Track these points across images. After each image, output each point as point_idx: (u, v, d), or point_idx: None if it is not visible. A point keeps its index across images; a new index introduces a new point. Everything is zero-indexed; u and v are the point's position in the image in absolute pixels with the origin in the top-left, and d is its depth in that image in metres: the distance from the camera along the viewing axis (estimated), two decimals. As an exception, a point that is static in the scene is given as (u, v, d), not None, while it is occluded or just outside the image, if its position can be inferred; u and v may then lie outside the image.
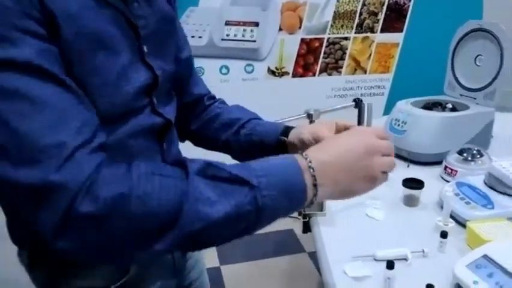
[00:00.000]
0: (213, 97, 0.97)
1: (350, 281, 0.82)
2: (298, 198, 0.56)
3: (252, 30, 2.46)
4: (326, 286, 0.83)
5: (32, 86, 0.49)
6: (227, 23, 2.45)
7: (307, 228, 1.06)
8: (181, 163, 0.54)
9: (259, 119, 0.91)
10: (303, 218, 1.06)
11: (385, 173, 0.63)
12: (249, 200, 0.53)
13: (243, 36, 2.47)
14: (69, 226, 0.47)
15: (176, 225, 0.50)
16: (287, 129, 0.84)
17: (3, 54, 0.48)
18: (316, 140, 0.76)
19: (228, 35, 2.45)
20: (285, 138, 0.82)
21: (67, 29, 0.54)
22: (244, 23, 2.46)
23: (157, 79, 0.70)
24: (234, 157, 0.90)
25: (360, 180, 0.60)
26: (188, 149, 0.90)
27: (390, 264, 0.77)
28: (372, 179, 0.61)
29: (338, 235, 0.98)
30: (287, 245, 2.46)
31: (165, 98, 0.75)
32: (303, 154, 0.59)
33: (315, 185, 0.57)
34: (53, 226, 0.47)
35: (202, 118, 0.93)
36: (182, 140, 0.93)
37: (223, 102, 0.97)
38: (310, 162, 0.57)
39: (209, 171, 0.54)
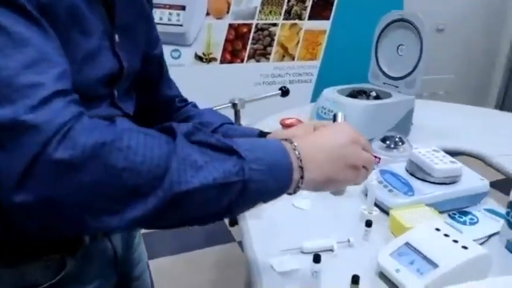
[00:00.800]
0: (185, 100, 0.94)
1: (277, 276, 0.81)
2: (284, 178, 0.54)
3: (178, 14, 2.37)
4: (253, 283, 0.80)
5: (15, 22, 0.46)
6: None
7: (234, 221, 1.03)
8: (168, 128, 0.51)
9: (232, 123, 0.89)
10: (230, 211, 1.03)
11: (366, 169, 0.63)
12: (236, 171, 0.50)
13: (169, 20, 2.37)
14: (37, 173, 0.41)
15: (160, 186, 0.45)
16: (262, 135, 0.82)
17: None
18: None
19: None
20: None
21: None
22: (170, 6, 2.36)
23: (123, 71, 0.67)
24: None
25: (345, 167, 0.60)
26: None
27: (316, 258, 0.76)
28: (356, 168, 0.61)
29: (265, 228, 0.97)
30: (216, 235, 2.43)
31: (126, 93, 0.73)
32: (287, 139, 0.58)
33: (300, 168, 0.55)
34: (17, 172, 0.41)
35: (173, 120, 0.89)
36: None
37: (195, 105, 0.95)
38: (295, 145, 0.56)
39: (197, 136, 0.51)
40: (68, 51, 0.55)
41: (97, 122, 0.47)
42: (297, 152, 0.56)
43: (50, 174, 0.42)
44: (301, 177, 0.56)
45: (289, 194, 0.58)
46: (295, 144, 0.57)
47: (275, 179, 0.53)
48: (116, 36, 0.66)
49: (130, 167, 0.44)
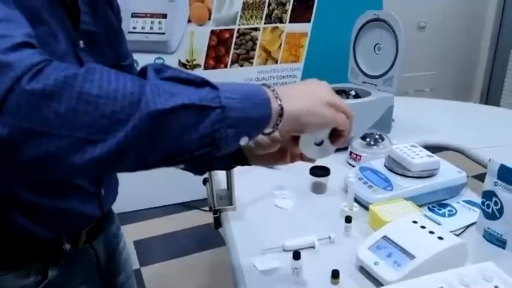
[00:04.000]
0: None
1: (259, 275, 0.82)
2: (263, 106, 0.53)
3: (160, 22, 2.38)
4: (235, 282, 0.82)
5: None
6: (133, 15, 2.35)
7: (218, 223, 1.04)
8: (138, 71, 0.51)
9: None
10: (214, 214, 1.04)
11: (346, 116, 0.61)
12: (211, 97, 0.49)
13: (151, 28, 2.38)
14: (11, 104, 0.41)
15: (137, 109, 0.44)
16: None
17: None
18: (272, 139, 0.75)
19: (134, 28, 2.35)
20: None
21: None
22: (152, 15, 2.37)
23: None
24: (185, 169, 0.83)
25: (323, 104, 0.58)
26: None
27: (296, 255, 0.78)
28: (334, 107, 0.59)
29: (248, 228, 0.98)
30: (208, 239, 2.44)
31: None
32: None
33: (277, 98, 0.54)
34: None
35: None
36: None
37: None
38: (268, 85, 0.56)
39: (167, 72, 0.50)
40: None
41: (67, 64, 0.46)
42: (271, 88, 0.55)
43: (24, 105, 0.41)
44: (281, 108, 0.54)
45: (273, 131, 0.56)
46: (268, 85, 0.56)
47: (254, 106, 0.52)
48: (81, 42, 0.67)
49: (104, 94, 0.44)
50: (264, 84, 0.57)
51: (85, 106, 0.43)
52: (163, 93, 0.47)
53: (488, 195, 0.91)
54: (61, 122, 0.43)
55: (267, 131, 0.55)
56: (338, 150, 1.33)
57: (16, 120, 0.41)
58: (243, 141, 0.52)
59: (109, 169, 0.47)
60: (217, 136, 0.49)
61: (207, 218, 2.61)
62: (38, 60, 0.43)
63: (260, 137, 0.77)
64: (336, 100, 0.60)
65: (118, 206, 0.88)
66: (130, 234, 0.91)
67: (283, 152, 0.78)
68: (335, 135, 0.64)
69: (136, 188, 2.12)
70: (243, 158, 0.80)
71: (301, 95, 0.58)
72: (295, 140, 0.66)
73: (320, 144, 0.66)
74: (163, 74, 0.50)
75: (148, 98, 0.45)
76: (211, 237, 2.38)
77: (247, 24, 2.53)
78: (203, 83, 0.50)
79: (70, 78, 0.43)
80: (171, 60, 2.46)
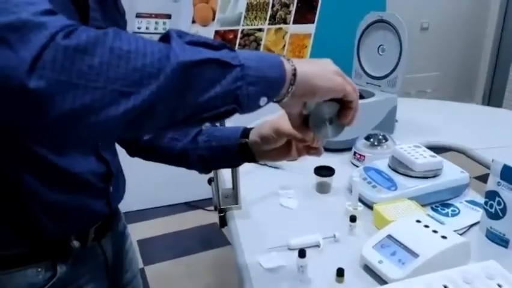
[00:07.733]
0: None
1: (265, 273, 0.83)
2: (277, 68, 0.55)
3: (164, 23, 2.40)
4: (241, 280, 0.83)
5: None
6: (138, 15, 2.37)
7: (223, 222, 1.05)
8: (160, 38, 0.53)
9: (216, 125, 0.89)
10: (219, 213, 1.06)
11: (353, 90, 0.63)
12: (231, 56, 0.52)
13: (156, 28, 2.40)
14: (47, 58, 0.43)
15: (167, 62, 0.47)
16: (246, 131, 0.83)
17: None
18: (277, 133, 0.77)
19: (139, 28, 2.37)
20: (246, 140, 0.81)
21: None
22: (156, 15, 2.39)
23: None
24: (190, 167, 0.86)
25: (331, 72, 0.61)
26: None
27: (301, 253, 0.79)
28: (342, 76, 0.62)
29: (253, 227, 0.99)
30: (211, 239, 2.45)
31: None
32: None
33: (289, 61, 0.57)
34: (29, 60, 0.42)
35: None
36: (132, 156, 0.90)
37: None
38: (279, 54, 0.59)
39: (187, 37, 0.52)
40: None
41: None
42: (282, 55, 0.58)
43: (60, 59, 0.43)
44: (294, 69, 0.57)
45: (288, 93, 0.57)
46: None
47: (269, 67, 0.55)
48: None
49: (134, 49, 0.47)
50: None
51: (117, 60, 0.45)
52: (188, 50, 0.49)
53: (492, 195, 0.92)
54: (96, 74, 0.44)
55: (280, 95, 0.57)
56: (342, 150, 1.36)
57: (53, 73, 0.43)
58: (262, 101, 0.55)
59: (140, 125, 0.49)
60: (239, 93, 0.52)
61: (211, 217, 2.63)
62: (69, 23, 0.46)
63: (266, 132, 0.79)
64: (342, 72, 0.62)
65: (122, 205, 0.90)
66: (134, 233, 0.93)
67: (289, 147, 0.80)
68: (344, 108, 0.65)
69: (140, 188, 2.14)
70: (249, 154, 0.81)
71: (311, 63, 0.61)
72: (305, 125, 0.67)
73: (329, 123, 0.67)
74: (184, 38, 0.52)
75: (176, 52, 0.48)
76: (214, 237, 2.40)
77: (251, 24, 2.55)
78: (221, 46, 0.53)
79: (101, 36, 0.46)
80: (175, 61, 2.48)
